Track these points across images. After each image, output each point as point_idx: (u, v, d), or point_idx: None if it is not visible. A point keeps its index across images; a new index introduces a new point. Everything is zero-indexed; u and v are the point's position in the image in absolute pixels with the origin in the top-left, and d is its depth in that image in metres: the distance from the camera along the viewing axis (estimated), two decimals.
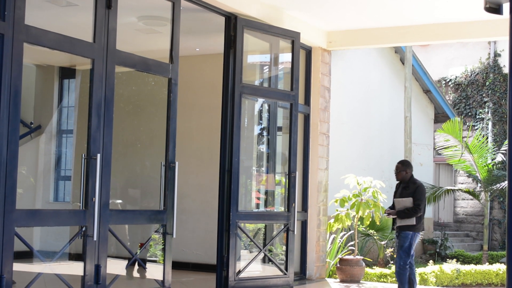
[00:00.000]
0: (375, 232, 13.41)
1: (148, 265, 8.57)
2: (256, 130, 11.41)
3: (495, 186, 15.66)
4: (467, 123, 20.45)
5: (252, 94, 9.83)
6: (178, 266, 10.33)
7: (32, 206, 10.28)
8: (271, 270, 9.86)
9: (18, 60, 5.96)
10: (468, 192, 16.62)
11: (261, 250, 9.69)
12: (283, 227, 9.87)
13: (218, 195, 9.21)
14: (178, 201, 7.92)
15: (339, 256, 11.60)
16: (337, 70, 13.13)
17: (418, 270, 12.18)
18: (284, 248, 10.08)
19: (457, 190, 17.04)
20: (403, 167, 9.17)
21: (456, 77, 21.49)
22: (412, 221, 8.93)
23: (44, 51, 7.03)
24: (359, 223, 12.69)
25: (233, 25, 9.13)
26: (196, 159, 11.62)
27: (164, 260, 7.72)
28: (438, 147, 16.55)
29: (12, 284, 5.91)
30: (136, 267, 8.69)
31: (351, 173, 11.80)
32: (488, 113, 20.65)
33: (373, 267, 12.51)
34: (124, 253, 7.96)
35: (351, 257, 11.19)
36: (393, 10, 9.86)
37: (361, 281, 10.99)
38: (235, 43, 9.10)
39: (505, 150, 16.79)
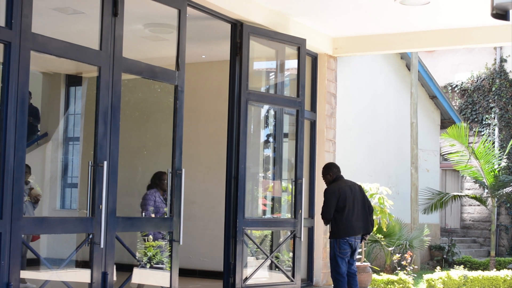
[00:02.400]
0: (382, 238, 13.38)
1: (155, 272, 8.55)
2: (263, 136, 11.42)
3: (501, 192, 15.62)
4: (473, 129, 20.41)
5: (258, 100, 9.84)
6: (185, 273, 10.33)
7: (39, 214, 10.29)
8: (278, 277, 9.85)
9: (25, 67, 5.98)
10: (475, 198, 16.56)
11: (268, 257, 9.68)
12: (289, 233, 9.86)
13: (224, 201, 9.21)
14: (185, 208, 7.92)
15: None
16: (343, 77, 13.13)
17: (425, 277, 12.14)
18: (291, 254, 10.07)
19: (464, 196, 17.00)
20: (326, 171, 9.04)
21: (462, 82, 21.45)
22: (330, 227, 8.71)
23: (50, 59, 7.04)
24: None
25: (239, 32, 9.14)
26: (202, 166, 11.62)
27: (171, 267, 7.72)
28: (443, 152, 16.51)
29: None
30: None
31: (357, 179, 11.77)
32: (494, 118, 20.60)
33: (380, 274, 12.47)
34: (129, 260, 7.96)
35: (358, 263, 11.15)
36: (398, 16, 9.86)
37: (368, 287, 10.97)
38: (241, 50, 9.11)
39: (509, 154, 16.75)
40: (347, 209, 8.68)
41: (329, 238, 8.83)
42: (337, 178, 8.96)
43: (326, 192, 8.85)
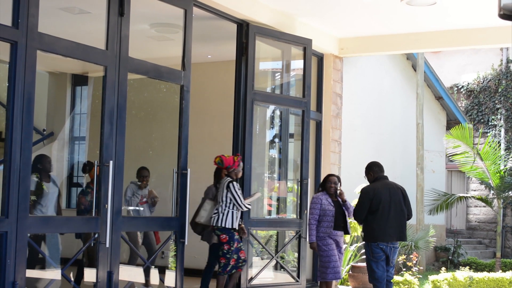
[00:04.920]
0: None
1: (160, 271, 8.57)
2: (268, 137, 11.41)
3: (507, 193, 15.57)
4: (479, 130, 20.36)
5: (264, 101, 9.84)
6: (190, 272, 10.32)
7: (45, 213, 10.30)
8: (283, 277, 9.84)
9: (31, 67, 5.99)
10: (481, 199, 16.52)
11: (273, 257, 9.68)
12: (295, 234, 9.86)
13: None
14: (190, 208, 7.92)
15: (352, 263, 11.56)
16: (349, 77, 13.11)
17: (431, 278, 12.13)
18: (296, 255, 10.07)
19: (469, 197, 16.95)
20: (366, 170, 8.62)
21: (468, 83, 21.40)
22: (362, 229, 8.40)
23: (57, 58, 7.06)
24: None
25: (245, 32, 9.15)
26: (208, 166, 11.59)
27: (176, 267, 7.73)
28: (449, 153, 16.46)
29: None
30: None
31: (362, 180, 11.74)
32: (500, 119, 20.55)
33: None
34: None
35: (363, 264, 11.14)
36: (405, 16, 9.84)
37: None
38: (247, 50, 9.12)
39: None
40: (379, 212, 8.12)
41: (363, 241, 8.47)
42: (378, 178, 8.42)
43: (360, 192, 8.43)
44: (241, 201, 8.37)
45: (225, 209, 8.35)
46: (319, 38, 10.54)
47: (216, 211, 8.42)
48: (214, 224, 8.38)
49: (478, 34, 10.29)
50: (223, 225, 8.30)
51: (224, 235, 8.31)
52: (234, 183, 8.42)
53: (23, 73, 5.92)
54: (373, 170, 8.52)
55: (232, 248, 8.33)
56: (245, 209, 8.51)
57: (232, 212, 8.36)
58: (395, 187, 8.40)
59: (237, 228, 8.44)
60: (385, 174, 8.55)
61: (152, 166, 10.98)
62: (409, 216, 8.46)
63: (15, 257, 5.80)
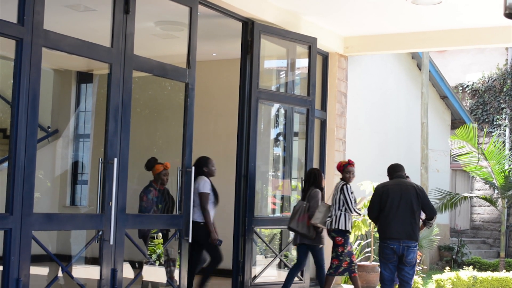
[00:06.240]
0: None
1: (164, 269, 8.57)
2: (272, 135, 11.41)
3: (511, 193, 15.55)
4: (484, 129, 20.32)
5: (269, 99, 9.84)
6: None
7: (49, 210, 10.32)
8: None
9: (36, 64, 5.99)
10: (485, 198, 16.48)
11: (276, 256, 9.68)
12: None
13: (234, 200, 9.21)
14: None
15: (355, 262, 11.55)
16: (353, 76, 13.09)
17: (434, 277, 12.12)
18: None
19: (474, 196, 16.92)
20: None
21: (473, 83, 21.37)
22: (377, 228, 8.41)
23: (62, 56, 7.06)
24: (375, 229, 12.62)
25: (250, 30, 9.14)
26: None
27: (180, 265, 7.73)
28: (453, 154, 16.43)
29: None
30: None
31: (367, 178, 11.76)
32: (505, 119, 20.52)
33: None
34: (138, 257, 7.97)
35: (367, 263, 11.15)
36: (410, 15, 9.83)
37: (376, 287, 10.95)
38: (252, 48, 9.11)
39: None
40: (386, 210, 8.05)
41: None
42: (393, 178, 8.45)
43: (373, 191, 8.48)
44: (352, 204, 8.78)
45: (337, 212, 8.80)
46: (324, 37, 10.53)
47: (330, 215, 8.83)
48: (329, 227, 8.83)
49: (484, 33, 10.27)
50: (338, 227, 8.74)
51: (340, 238, 8.81)
52: (348, 186, 8.87)
53: (28, 70, 5.92)
54: (389, 173, 8.65)
55: (345, 250, 8.80)
56: (354, 213, 8.91)
57: (345, 214, 8.79)
58: (408, 185, 8.25)
59: (350, 231, 8.89)
60: (401, 173, 8.58)
61: None
62: (428, 214, 8.29)
63: (19, 254, 5.81)
